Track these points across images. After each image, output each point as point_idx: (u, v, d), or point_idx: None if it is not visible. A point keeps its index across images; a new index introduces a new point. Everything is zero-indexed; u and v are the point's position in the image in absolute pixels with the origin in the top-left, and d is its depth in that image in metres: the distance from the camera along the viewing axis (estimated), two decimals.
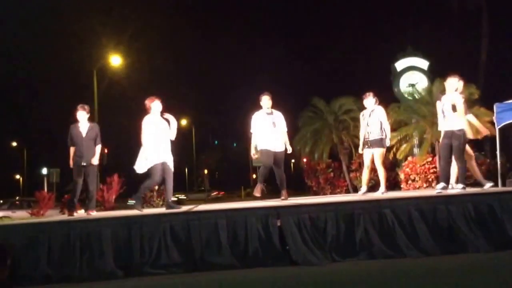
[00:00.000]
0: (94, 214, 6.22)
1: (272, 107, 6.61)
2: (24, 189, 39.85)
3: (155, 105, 5.91)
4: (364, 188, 6.96)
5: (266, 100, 6.50)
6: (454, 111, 5.88)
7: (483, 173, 7.37)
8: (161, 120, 5.94)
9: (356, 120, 6.89)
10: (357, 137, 7.57)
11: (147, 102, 5.93)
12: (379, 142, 6.68)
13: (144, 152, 5.76)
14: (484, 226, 4.67)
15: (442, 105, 6.07)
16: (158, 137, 5.78)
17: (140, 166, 5.75)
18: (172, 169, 5.89)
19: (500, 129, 7.81)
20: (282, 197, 6.50)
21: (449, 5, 21.01)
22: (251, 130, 6.55)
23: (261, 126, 6.47)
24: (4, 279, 4.00)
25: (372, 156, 6.71)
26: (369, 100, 6.82)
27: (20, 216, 15.07)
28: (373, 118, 6.73)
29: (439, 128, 6.20)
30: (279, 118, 6.58)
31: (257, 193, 6.47)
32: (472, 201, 4.82)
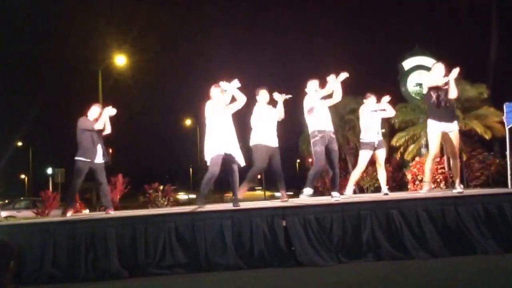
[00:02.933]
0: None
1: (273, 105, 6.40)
2: (29, 188, 40.11)
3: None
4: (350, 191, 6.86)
5: (264, 94, 6.27)
6: None
7: (492, 173, 7.28)
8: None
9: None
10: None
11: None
12: (384, 143, 6.72)
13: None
14: (493, 227, 4.59)
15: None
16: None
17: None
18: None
19: (510, 129, 7.70)
20: (283, 199, 6.27)
21: (458, 3, 20.84)
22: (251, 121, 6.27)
23: (260, 119, 6.19)
24: (10, 278, 3.97)
25: (375, 157, 6.64)
26: (371, 101, 6.71)
27: (25, 215, 15.16)
28: (379, 120, 6.69)
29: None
30: (274, 112, 6.33)
31: (241, 190, 6.04)
32: (481, 202, 4.74)
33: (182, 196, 29.36)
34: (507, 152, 7.98)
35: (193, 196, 31.47)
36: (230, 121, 5.63)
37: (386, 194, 6.60)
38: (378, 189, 13.03)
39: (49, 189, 18.19)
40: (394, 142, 16.09)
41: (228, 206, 5.78)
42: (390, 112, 6.78)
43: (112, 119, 6.58)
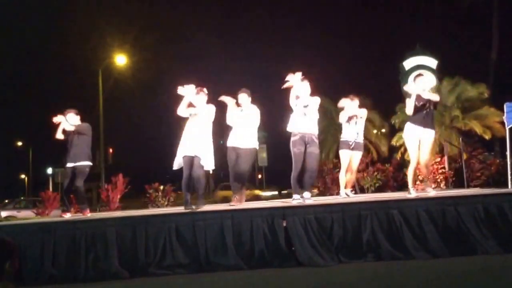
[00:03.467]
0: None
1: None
2: (29, 188, 40.12)
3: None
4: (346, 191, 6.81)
5: (245, 97, 6.20)
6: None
7: (492, 173, 7.27)
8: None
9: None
10: (365, 137, 7.46)
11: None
12: (362, 146, 6.71)
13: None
14: (493, 227, 4.58)
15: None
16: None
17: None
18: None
19: (510, 129, 7.69)
20: (233, 202, 6.06)
21: (459, 3, 20.82)
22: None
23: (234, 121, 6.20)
24: (10, 277, 3.97)
25: (352, 159, 6.62)
26: (355, 103, 6.68)
27: (25, 215, 15.15)
28: (361, 121, 6.64)
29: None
30: (250, 113, 6.24)
31: (237, 202, 6.04)
32: (481, 202, 4.73)
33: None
34: (508, 152, 7.96)
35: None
36: (195, 125, 5.72)
37: (347, 195, 6.64)
38: (378, 189, 13.04)
39: (49, 189, 18.21)
40: (394, 141, 16.10)
41: (230, 206, 5.78)
42: (363, 117, 6.72)
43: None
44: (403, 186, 11.81)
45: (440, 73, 14.65)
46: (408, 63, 16.04)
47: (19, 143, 42.23)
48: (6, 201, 21.00)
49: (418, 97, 5.64)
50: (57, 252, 4.59)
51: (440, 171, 10.84)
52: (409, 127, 5.70)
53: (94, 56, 22.45)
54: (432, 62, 15.63)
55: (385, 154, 18.29)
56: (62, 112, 6.43)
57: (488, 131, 11.43)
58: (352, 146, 6.58)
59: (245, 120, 6.16)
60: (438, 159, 11.01)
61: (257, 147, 6.34)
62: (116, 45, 21.86)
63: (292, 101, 5.78)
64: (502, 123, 7.99)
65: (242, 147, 6.09)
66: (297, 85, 5.72)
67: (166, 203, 11.29)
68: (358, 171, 13.33)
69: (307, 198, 5.54)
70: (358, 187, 13.08)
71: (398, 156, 12.71)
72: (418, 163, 5.67)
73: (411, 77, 15.66)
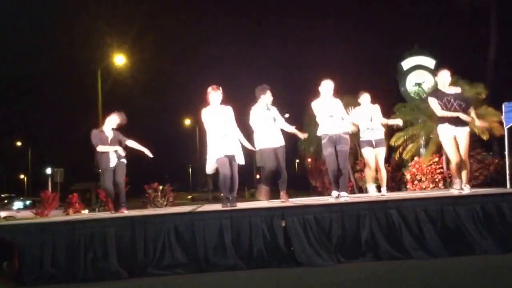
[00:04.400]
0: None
1: (274, 104, 6.21)
2: (29, 188, 40.04)
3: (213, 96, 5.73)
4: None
5: (268, 95, 6.05)
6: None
7: (491, 173, 7.29)
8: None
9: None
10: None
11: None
12: (384, 142, 6.65)
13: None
14: (492, 227, 4.59)
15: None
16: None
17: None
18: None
19: (508, 129, 7.72)
20: (282, 199, 6.14)
21: (457, 3, 20.84)
22: (250, 123, 6.10)
23: (260, 122, 6.00)
24: (9, 278, 3.94)
25: (376, 156, 6.60)
26: (366, 98, 6.62)
27: (25, 216, 15.13)
28: (375, 117, 6.60)
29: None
30: (277, 112, 6.17)
31: (261, 196, 6.15)
32: (480, 202, 4.75)
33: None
34: (506, 152, 7.99)
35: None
36: (225, 121, 5.70)
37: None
38: (377, 189, 13.02)
39: (48, 189, 18.16)
40: (393, 142, 16.09)
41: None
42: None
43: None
44: (402, 186, 11.83)
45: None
46: (406, 63, 16.05)
47: (18, 143, 42.17)
48: (5, 201, 20.95)
49: (440, 97, 5.56)
50: (57, 252, 4.58)
51: (438, 171, 10.86)
52: (442, 128, 5.63)
53: (93, 56, 22.40)
54: (430, 62, 15.65)
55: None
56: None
57: (486, 131, 11.43)
58: (374, 143, 6.53)
59: (272, 118, 6.07)
60: (436, 159, 11.03)
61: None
62: (115, 46, 21.86)
63: (315, 107, 5.96)
64: (500, 123, 8.02)
65: (279, 146, 6.02)
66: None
67: (165, 203, 11.29)
68: (356, 171, 13.40)
69: (343, 197, 5.65)
70: (357, 188, 13.10)
71: (396, 156, 12.71)
72: (456, 161, 5.55)
73: (409, 77, 15.67)
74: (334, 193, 5.93)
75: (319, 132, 5.98)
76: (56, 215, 11.32)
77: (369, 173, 6.71)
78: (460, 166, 5.60)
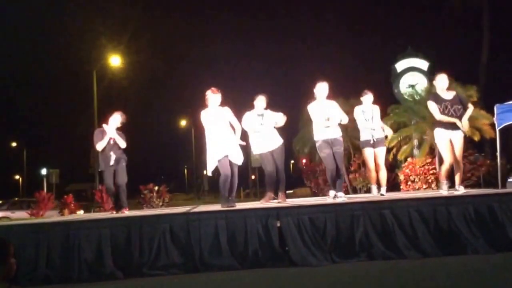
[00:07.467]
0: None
1: (272, 108, 6.39)
2: (24, 189, 39.79)
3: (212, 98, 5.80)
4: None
5: (261, 101, 6.23)
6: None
7: (482, 174, 7.37)
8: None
9: (354, 121, 6.72)
10: (356, 138, 7.50)
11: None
12: (383, 141, 6.70)
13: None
14: (484, 227, 4.65)
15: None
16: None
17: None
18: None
19: (500, 130, 7.80)
20: (279, 200, 6.20)
21: (450, 6, 20.98)
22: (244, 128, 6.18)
23: (253, 127, 6.17)
24: (10, 275, 3.93)
25: (376, 155, 6.66)
26: (369, 98, 6.70)
27: (20, 216, 15.06)
28: (376, 117, 6.67)
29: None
30: (269, 114, 6.28)
31: (265, 202, 6.20)
32: (472, 202, 4.81)
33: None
34: (498, 153, 8.08)
35: None
36: (224, 123, 5.77)
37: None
38: (371, 190, 13.08)
39: (44, 190, 18.08)
40: (386, 143, 16.16)
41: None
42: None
43: (107, 119, 6.58)
44: (395, 187, 11.89)
45: (432, 74, 14.78)
46: (399, 65, 16.14)
47: (13, 144, 41.90)
48: (0, 201, 20.81)
49: (439, 102, 5.65)
50: (52, 253, 4.57)
51: (431, 172, 10.94)
52: (438, 131, 5.74)
53: (89, 57, 22.34)
54: (424, 64, 15.76)
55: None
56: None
57: (477, 132, 11.53)
58: (373, 143, 6.59)
59: (266, 123, 6.21)
60: (429, 160, 11.10)
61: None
62: (111, 46, 21.81)
63: (311, 111, 6.02)
64: (491, 125, 8.10)
65: (276, 147, 6.17)
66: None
67: (160, 203, 11.30)
68: (350, 172, 13.45)
69: (341, 197, 5.72)
70: (351, 188, 13.16)
71: (390, 157, 12.77)
72: (450, 163, 5.66)
73: (402, 79, 15.76)
74: (332, 193, 5.99)
75: (315, 137, 6.06)
76: (51, 216, 11.29)
77: (370, 174, 6.81)
78: (452, 168, 5.70)
